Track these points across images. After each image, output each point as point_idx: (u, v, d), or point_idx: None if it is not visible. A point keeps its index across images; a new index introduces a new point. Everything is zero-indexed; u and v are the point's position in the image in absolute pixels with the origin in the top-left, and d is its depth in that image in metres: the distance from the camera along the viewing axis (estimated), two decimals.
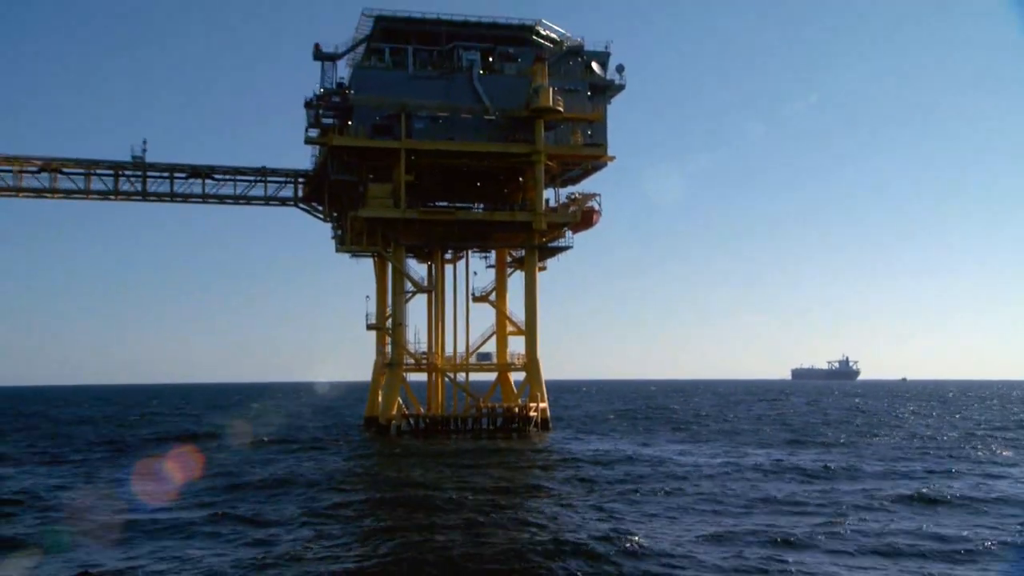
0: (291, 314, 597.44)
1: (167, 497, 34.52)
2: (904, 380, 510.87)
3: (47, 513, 31.36)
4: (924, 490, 35.38)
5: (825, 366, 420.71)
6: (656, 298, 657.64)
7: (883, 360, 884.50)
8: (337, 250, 66.98)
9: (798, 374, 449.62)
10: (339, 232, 66.98)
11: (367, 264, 68.96)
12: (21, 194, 62.60)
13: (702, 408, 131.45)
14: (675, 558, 22.82)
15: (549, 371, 66.13)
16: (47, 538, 25.83)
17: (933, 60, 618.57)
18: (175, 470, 43.43)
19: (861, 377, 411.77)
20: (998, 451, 56.62)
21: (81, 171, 61.50)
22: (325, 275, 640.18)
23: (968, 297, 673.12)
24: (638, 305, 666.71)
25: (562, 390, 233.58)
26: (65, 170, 60.86)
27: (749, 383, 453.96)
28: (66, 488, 38.01)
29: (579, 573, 21.21)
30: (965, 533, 26.77)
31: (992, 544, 24.96)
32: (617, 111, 68.44)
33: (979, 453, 55.09)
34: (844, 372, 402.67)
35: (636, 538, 24.65)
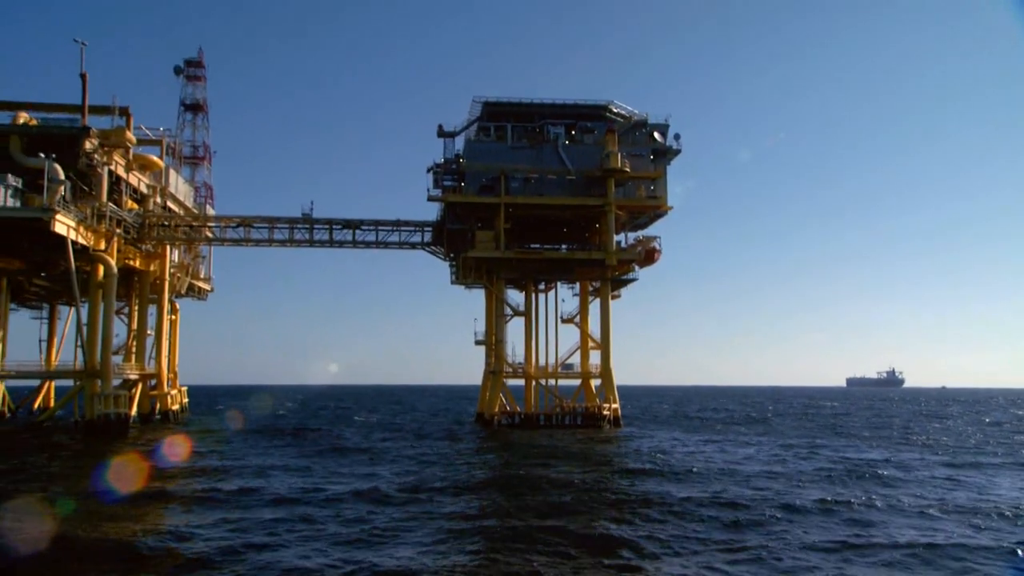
0: (417, 332, 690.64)
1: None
2: (943, 388, 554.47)
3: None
4: None
5: (875, 375, 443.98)
6: (719, 318, 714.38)
7: (925, 369, 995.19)
8: (452, 283, 75.00)
9: (852, 382, 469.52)
10: (455, 269, 74.54)
11: (478, 294, 77.58)
12: (225, 243, 75.18)
13: (751, 410, 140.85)
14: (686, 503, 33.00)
15: (622, 378, 77.06)
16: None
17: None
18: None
19: (905, 385, 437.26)
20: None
21: (266, 225, 72.46)
22: (444, 303, 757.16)
23: (1003, 311, 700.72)
24: (701, 325, 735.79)
25: (634, 394, 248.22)
26: (255, 225, 72.42)
27: (809, 389, 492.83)
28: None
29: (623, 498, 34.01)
30: None
31: None
32: (675, 170, 77.14)
33: None
34: (891, 381, 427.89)
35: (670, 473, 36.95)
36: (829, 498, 34.36)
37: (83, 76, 62.76)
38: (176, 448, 53.05)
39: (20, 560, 22.29)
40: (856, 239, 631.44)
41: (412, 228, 74.87)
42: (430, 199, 72.20)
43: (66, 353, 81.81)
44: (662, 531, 27.20)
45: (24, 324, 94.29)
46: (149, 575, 21.49)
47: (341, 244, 73.91)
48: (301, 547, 24.12)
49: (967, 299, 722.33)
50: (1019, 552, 24.40)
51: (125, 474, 38.86)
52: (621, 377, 76.47)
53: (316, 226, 72.99)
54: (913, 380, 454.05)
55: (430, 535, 26.12)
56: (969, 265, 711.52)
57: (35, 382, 79.76)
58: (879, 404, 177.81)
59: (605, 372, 73.27)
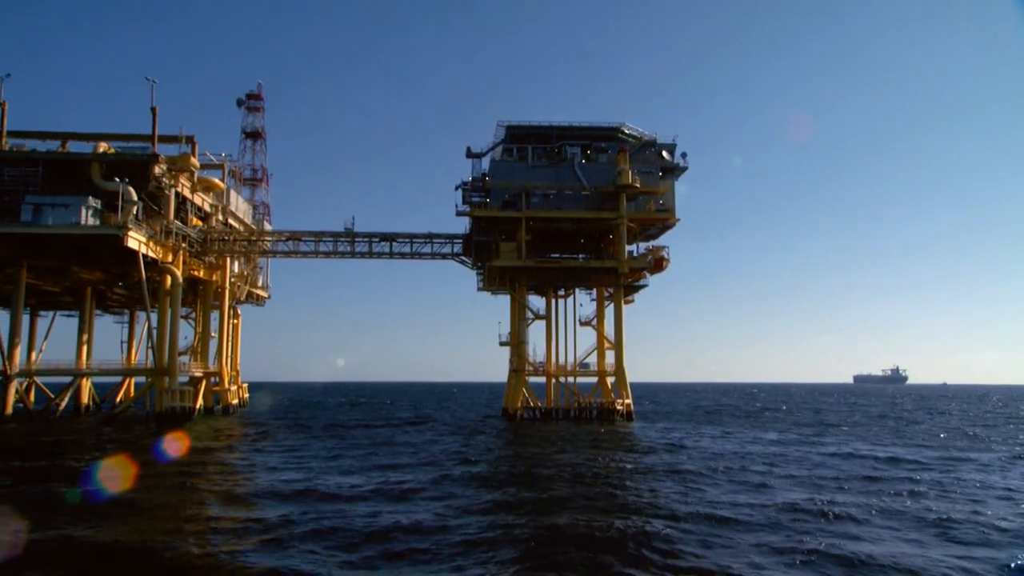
0: (448, 334, 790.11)
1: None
2: (944, 384, 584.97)
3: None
4: None
5: (880, 373, 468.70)
6: (735, 321, 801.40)
7: (927, 367, 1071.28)
8: (479, 289, 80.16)
9: (859, 379, 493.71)
10: (482, 277, 79.55)
11: (503, 299, 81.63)
12: (278, 255, 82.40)
13: (751, 404, 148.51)
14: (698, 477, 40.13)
15: (637, 376, 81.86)
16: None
17: None
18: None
19: (909, 382, 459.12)
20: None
21: (312, 239, 78.60)
22: (472, 308, 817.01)
23: (1000, 313, 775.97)
24: (720, 327, 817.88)
25: (650, 390, 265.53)
26: (304, 238, 79.00)
27: (818, 386, 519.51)
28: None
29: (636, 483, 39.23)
30: None
31: None
32: (682, 185, 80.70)
33: None
34: (895, 378, 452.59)
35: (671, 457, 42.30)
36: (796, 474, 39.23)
37: (153, 110, 70.47)
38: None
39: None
40: (861, 248, 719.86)
41: (443, 240, 79.93)
42: (458, 214, 77.07)
43: (143, 353, 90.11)
44: (657, 491, 33.63)
45: (108, 328, 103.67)
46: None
47: (379, 255, 79.34)
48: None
49: (966, 302, 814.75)
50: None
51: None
52: (636, 375, 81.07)
53: (357, 239, 78.61)
54: (916, 377, 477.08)
55: (475, 498, 31.93)
56: (969, 270, 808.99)
57: (117, 379, 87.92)
58: (878, 398, 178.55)
59: (619, 371, 77.42)
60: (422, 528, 25.08)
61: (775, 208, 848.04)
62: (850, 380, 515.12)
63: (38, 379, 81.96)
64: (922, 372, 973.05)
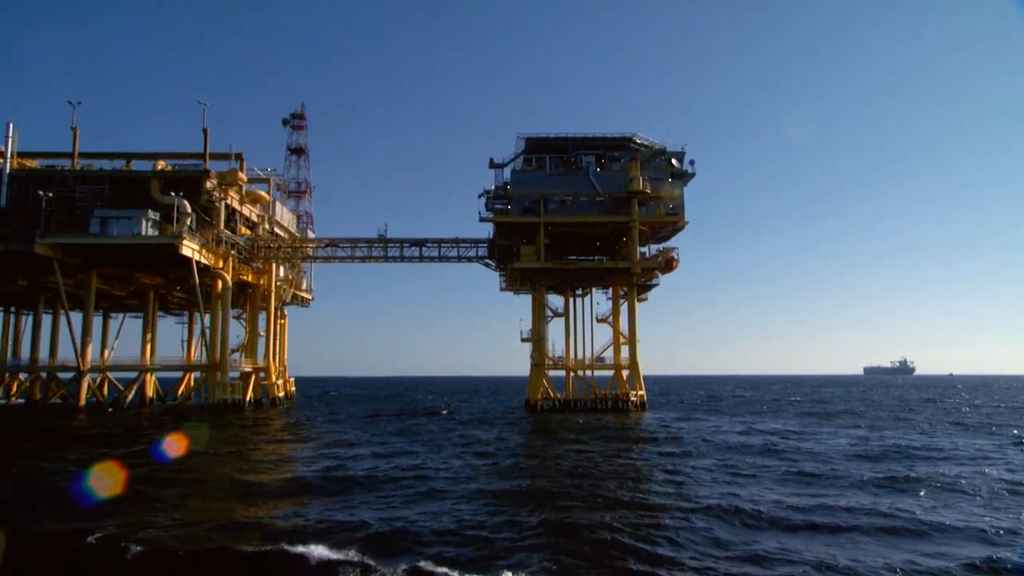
0: (474, 331, 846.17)
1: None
2: (951, 375, 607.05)
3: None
4: None
5: (889, 364, 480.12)
6: (752, 318, 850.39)
7: (934, 359, 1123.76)
8: (502, 289, 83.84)
9: (868, 371, 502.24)
10: (504, 278, 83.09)
11: (524, 298, 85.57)
12: (318, 260, 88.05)
13: (758, 395, 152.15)
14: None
15: (653, 369, 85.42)
16: None
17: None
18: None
19: (916, 373, 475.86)
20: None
21: (349, 244, 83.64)
22: (496, 306, 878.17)
23: (1004, 307, 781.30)
24: (728, 321, 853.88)
25: (665, 382, 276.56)
26: (341, 244, 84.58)
27: (828, 378, 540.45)
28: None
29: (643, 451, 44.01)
30: None
31: None
32: (691, 190, 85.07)
33: None
34: (903, 369, 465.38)
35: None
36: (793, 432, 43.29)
37: (205, 130, 77.07)
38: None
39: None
40: (870, 247, 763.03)
41: (468, 244, 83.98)
42: (482, 220, 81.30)
43: (200, 351, 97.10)
44: (655, 460, 39.05)
45: (170, 328, 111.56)
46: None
47: (410, 259, 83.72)
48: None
49: (971, 296, 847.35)
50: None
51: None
52: (651, 368, 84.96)
53: (390, 244, 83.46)
54: (923, 368, 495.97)
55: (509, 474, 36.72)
56: (972, 267, 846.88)
57: (178, 374, 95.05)
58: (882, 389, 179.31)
59: (633, 364, 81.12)
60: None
61: (787, 210, 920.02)
62: (860, 372, 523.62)
63: (110, 375, 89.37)
64: (929, 364, 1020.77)
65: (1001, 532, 23.03)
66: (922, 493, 29.88)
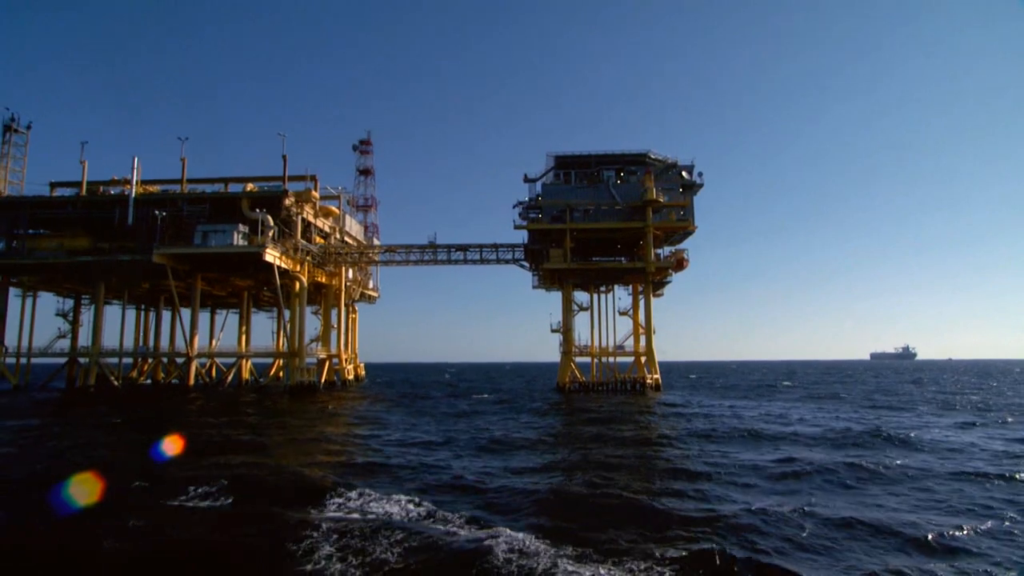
0: (509, 325, 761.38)
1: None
2: (950, 360, 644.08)
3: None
4: None
5: (893, 350, 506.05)
6: (766, 309, 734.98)
7: (934, 344, 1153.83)
8: (534, 287, 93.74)
9: (874, 356, 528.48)
10: (536, 277, 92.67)
11: (554, 295, 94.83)
12: (379, 264, 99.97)
13: (762, 379, 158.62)
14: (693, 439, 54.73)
15: (673, 355, 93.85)
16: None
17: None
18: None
19: (918, 358, 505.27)
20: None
21: (404, 250, 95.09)
22: (528, 302, 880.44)
23: (1000, 297, 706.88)
24: (747, 313, 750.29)
25: (682, 367, 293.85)
26: (398, 250, 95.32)
27: (836, 363, 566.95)
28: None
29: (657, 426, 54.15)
30: None
31: None
32: (700, 199, 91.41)
33: None
34: (906, 355, 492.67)
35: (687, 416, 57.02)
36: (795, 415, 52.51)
37: (284, 158, 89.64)
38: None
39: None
40: (877, 241, 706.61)
41: (505, 248, 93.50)
42: (516, 227, 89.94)
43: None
44: (667, 432, 48.00)
45: (264, 322, 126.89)
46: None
47: (456, 262, 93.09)
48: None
49: (969, 286, 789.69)
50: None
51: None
52: (671, 354, 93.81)
53: (439, 249, 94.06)
54: (924, 353, 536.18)
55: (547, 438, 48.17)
56: (972, 259, 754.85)
57: (268, 360, 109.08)
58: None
59: (649, 352, 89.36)
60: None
61: (800, 210, 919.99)
62: (867, 357, 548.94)
63: (217, 360, 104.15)
64: (930, 349, 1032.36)
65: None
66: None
